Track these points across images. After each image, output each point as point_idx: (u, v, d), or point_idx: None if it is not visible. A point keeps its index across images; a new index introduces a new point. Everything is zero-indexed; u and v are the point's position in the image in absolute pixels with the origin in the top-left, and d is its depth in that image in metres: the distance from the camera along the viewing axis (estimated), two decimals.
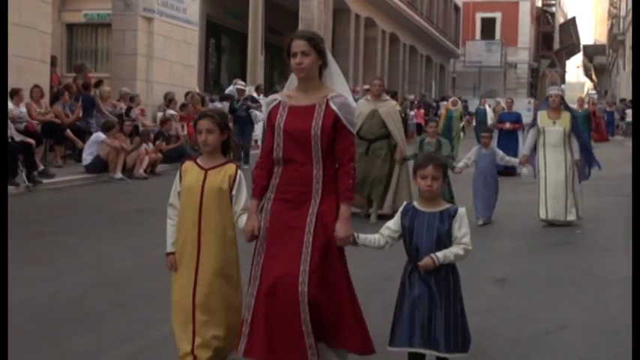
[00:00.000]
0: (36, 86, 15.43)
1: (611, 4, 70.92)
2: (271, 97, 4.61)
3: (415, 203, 4.28)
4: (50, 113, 15.72)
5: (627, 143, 24.51)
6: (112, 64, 21.46)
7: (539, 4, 71.17)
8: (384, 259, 6.19)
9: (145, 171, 15.29)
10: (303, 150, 4.21)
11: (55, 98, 16.82)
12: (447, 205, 4.23)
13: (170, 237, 4.57)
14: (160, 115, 19.59)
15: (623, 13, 56.36)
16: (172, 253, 4.54)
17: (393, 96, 29.96)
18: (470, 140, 23.74)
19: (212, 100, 21.41)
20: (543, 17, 73.14)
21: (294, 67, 4.25)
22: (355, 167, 4.31)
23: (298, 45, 4.23)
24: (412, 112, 30.51)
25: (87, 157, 15.04)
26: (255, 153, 14.41)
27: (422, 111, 32.23)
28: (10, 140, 12.88)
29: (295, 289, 4.09)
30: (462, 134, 23.79)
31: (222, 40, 31.66)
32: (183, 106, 20.04)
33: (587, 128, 23.39)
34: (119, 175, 14.84)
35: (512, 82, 62.63)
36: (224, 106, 19.52)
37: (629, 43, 45.59)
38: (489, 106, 27.51)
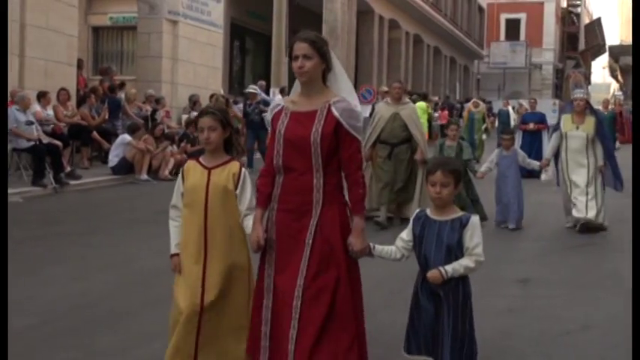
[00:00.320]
0: (63, 89, 15.59)
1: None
2: (275, 102, 4.43)
3: (428, 211, 4.14)
4: (77, 115, 15.88)
5: None
6: (137, 67, 21.64)
7: (564, 4, 70.73)
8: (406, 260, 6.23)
9: (171, 172, 15.42)
10: (303, 158, 4.01)
11: (81, 101, 17.00)
12: (460, 214, 4.04)
13: (174, 239, 4.45)
14: (184, 117, 19.73)
15: None
16: (177, 255, 4.42)
17: (424, 98, 30.06)
18: (494, 141, 23.64)
19: (236, 102, 21.50)
20: (568, 18, 72.70)
21: (295, 71, 4.07)
22: (364, 175, 4.12)
23: (300, 48, 4.05)
24: (436, 114, 30.50)
25: (113, 159, 15.20)
26: None
27: (446, 112, 32.19)
28: (37, 142, 13.08)
29: (290, 305, 3.94)
30: (484, 136, 23.41)
31: (246, 42, 31.79)
32: None
33: (613, 130, 23.23)
34: (145, 176, 14.99)
35: (537, 84, 62.31)
36: (239, 109, 19.61)
37: None
38: (513, 107, 27.39)
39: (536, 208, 11.79)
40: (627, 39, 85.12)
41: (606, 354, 5.30)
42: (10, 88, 14.04)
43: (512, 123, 23.86)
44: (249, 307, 4.29)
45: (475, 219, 4.01)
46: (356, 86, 30.73)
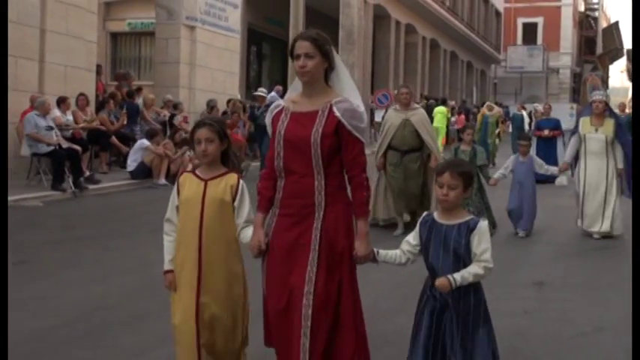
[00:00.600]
0: (82, 94, 15.73)
1: None
2: (275, 102, 4.31)
3: (435, 214, 3.95)
4: (96, 121, 16.00)
5: None
6: (155, 72, 21.81)
7: (581, 8, 70.45)
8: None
9: None
10: (304, 159, 3.90)
11: (100, 106, 17.15)
12: (468, 217, 3.85)
13: (168, 254, 4.29)
14: None
15: None
16: (171, 271, 4.25)
17: (443, 102, 30.04)
18: (507, 145, 23.56)
19: (252, 107, 21.60)
20: (586, 22, 72.37)
21: (297, 71, 3.96)
22: (368, 178, 4.01)
23: (302, 46, 3.94)
24: (453, 118, 30.49)
25: (131, 164, 15.31)
26: None
27: (463, 116, 32.18)
28: (57, 147, 13.22)
29: (299, 311, 3.84)
30: (497, 140, 23.00)
31: (263, 47, 31.92)
32: (224, 113, 20.27)
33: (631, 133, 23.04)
34: (163, 180, 15.10)
35: (555, 88, 62.09)
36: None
37: None
38: (529, 113, 27.25)
39: (552, 212, 11.79)
40: None
41: (620, 356, 5.33)
42: (30, 94, 14.23)
43: (527, 127, 23.67)
44: (244, 318, 4.24)
45: (484, 224, 3.84)
46: (372, 91, 30.80)
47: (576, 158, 10.37)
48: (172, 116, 18.59)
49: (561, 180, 10.52)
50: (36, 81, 15.01)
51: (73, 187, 13.09)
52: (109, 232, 10.04)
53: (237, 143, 19.50)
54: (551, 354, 5.36)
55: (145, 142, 15.43)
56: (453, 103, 35.97)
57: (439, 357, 3.83)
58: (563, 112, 39.57)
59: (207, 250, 4.11)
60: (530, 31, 62.80)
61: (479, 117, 23.69)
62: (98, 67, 18.68)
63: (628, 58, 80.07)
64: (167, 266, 4.28)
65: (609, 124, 10.02)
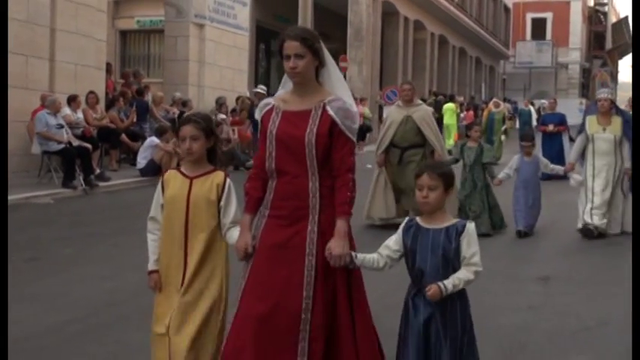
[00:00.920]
0: (91, 92, 15.81)
1: None
2: (264, 100, 4.13)
3: (418, 219, 3.79)
4: (106, 118, 16.09)
5: None
6: (164, 70, 21.91)
7: (591, 3, 70.27)
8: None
9: None
10: (297, 160, 3.78)
11: (110, 104, 17.24)
12: (454, 221, 3.72)
13: (153, 253, 4.11)
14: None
15: None
16: (156, 271, 4.08)
17: (452, 99, 29.98)
18: (513, 141, 23.48)
19: (252, 104, 21.66)
20: (595, 17, 72.19)
21: (288, 72, 3.84)
22: (354, 179, 3.84)
23: (291, 47, 3.79)
24: (462, 114, 30.46)
25: (141, 161, 15.37)
26: None
27: (471, 113, 32.16)
28: (67, 145, 13.33)
29: (297, 318, 3.73)
30: (503, 137, 22.39)
31: (271, 44, 31.96)
32: (233, 110, 20.35)
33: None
34: None
35: (564, 83, 61.99)
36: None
37: None
38: (538, 108, 27.14)
39: (558, 208, 11.80)
40: None
41: (623, 350, 5.38)
42: (40, 93, 14.34)
43: (534, 123, 23.42)
44: (222, 329, 4.04)
45: (471, 226, 3.70)
46: (381, 87, 30.86)
47: (582, 157, 10.11)
48: (181, 114, 18.65)
49: (576, 180, 9.96)
50: (46, 80, 15.12)
51: (83, 185, 13.19)
52: (120, 228, 10.11)
53: (246, 140, 19.62)
54: (555, 348, 5.42)
55: (154, 139, 15.50)
56: (461, 99, 35.95)
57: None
58: (572, 107, 39.57)
59: (192, 248, 3.97)
60: (539, 26, 62.70)
61: (485, 114, 23.19)
62: (108, 65, 18.75)
63: None
64: (152, 266, 4.11)
65: (617, 123, 9.73)
